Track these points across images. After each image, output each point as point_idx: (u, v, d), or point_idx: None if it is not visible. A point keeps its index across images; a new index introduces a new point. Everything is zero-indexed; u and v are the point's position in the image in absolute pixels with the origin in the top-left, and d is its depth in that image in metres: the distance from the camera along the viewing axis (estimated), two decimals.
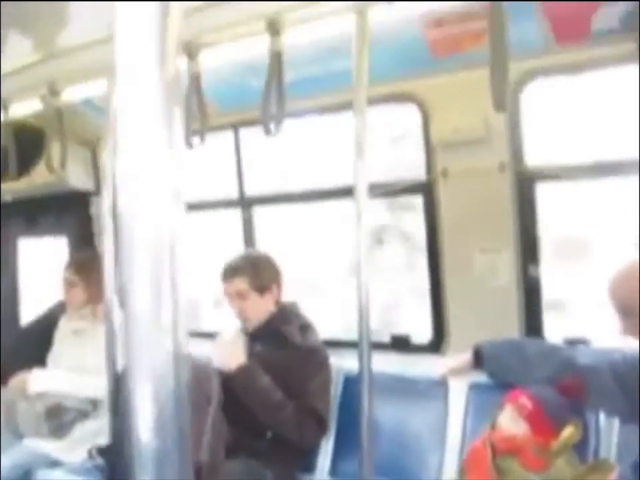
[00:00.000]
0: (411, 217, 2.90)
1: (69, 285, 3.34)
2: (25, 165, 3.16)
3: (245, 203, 3.14)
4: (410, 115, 2.66)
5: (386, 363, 2.61)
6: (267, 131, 2.14)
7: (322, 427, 2.77)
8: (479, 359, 2.45)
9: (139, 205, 0.51)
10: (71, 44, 2.81)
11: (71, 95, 2.92)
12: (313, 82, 2.67)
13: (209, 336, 2.94)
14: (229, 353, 2.74)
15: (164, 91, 0.52)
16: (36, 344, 3.48)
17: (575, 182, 2.56)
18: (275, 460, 2.64)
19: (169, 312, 0.51)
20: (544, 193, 2.59)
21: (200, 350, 2.71)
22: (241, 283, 2.81)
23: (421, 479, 2.57)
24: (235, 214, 3.18)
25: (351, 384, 2.80)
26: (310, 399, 2.73)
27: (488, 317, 2.62)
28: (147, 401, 0.51)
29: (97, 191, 3.56)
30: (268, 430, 2.71)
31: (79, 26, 2.70)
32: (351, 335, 2.90)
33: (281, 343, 2.81)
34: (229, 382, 2.69)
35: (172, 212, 0.52)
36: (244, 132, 3.07)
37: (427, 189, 2.70)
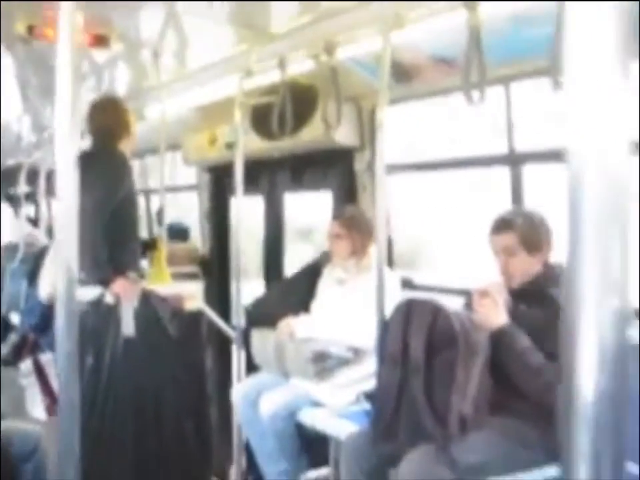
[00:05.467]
0: None
1: (335, 237, 3.49)
2: (297, 123, 3.31)
3: (514, 160, 3.04)
4: None
5: None
6: (469, 99, 2.25)
7: None
8: None
9: (589, 150, 0.49)
10: (336, 5, 2.89)
11: (343, 53, 3.00)
12: None
13: None
14: (492, 309, 2.67)
15: (618, 29, 0.49)
16: (301, 291, 3.70)
17: None
18: (539, 424, 2.56)
19: (617, 269, 0.49)
20: None
21: None
22: (511, 238, 2.72)
23: None
24: (503, 171, 3.09)
25: None
26: None
27: None
28: (590, 354, 0.49)
29: (362, 147, 3.65)
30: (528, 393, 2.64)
31: None
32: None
33: (546, 304, 2.69)
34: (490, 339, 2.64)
35: (623, 158, 0.49)
36: (514, 86, 2.96)
37: None
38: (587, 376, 0.49)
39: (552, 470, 2.48)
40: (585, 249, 0.48)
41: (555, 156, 2.95)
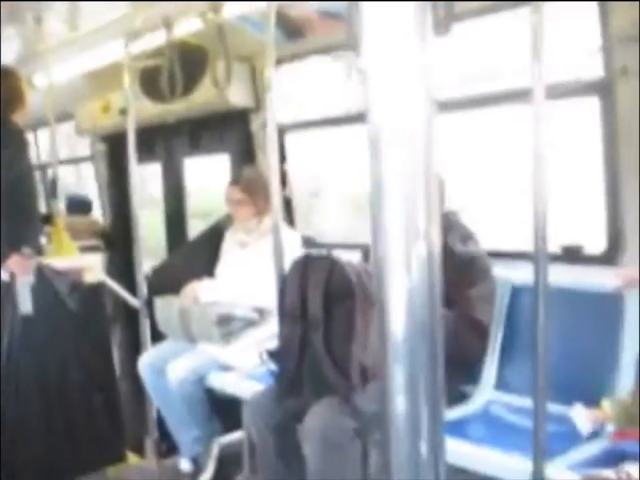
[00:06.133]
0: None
1: (236, 202, 3.45)
2: (188, 85, 3.24)
3: None
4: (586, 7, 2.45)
5: (556, 275, 2.51)
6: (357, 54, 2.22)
7: (482, 337, 2.72)
8: None
9: (390, 105, 0.49)
10: None
11: (230, 11, 2.94)
12: None
13: None
14: None
15: None
16: (204, 256, 3.66)
17: None
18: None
19: (422, 216, 0.50)
20: None
21: None
22: None
23: (592, 398, 2.45)
24: None
25: (519, 296, 2.73)
26: (470, 308, 2.66)
27: None
28: (399, 305, 0.50)
29: (257, 108, 3.61)
30: None
31: None
32: (521, 245, 2.82)
33: (441, 251, 2.74)
34: None
35: (425, 112, 0.49)
36: None
37: (604, 89, 2.51)
38: (399, 315, 0.50)
39: (453, 413, 2.57)
40: (388, 202, 0.49)
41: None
